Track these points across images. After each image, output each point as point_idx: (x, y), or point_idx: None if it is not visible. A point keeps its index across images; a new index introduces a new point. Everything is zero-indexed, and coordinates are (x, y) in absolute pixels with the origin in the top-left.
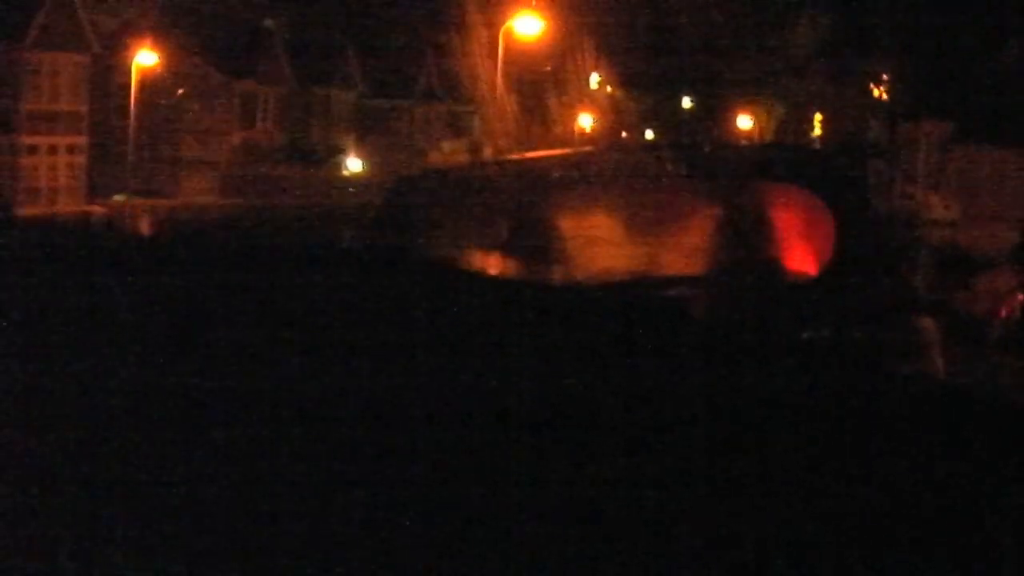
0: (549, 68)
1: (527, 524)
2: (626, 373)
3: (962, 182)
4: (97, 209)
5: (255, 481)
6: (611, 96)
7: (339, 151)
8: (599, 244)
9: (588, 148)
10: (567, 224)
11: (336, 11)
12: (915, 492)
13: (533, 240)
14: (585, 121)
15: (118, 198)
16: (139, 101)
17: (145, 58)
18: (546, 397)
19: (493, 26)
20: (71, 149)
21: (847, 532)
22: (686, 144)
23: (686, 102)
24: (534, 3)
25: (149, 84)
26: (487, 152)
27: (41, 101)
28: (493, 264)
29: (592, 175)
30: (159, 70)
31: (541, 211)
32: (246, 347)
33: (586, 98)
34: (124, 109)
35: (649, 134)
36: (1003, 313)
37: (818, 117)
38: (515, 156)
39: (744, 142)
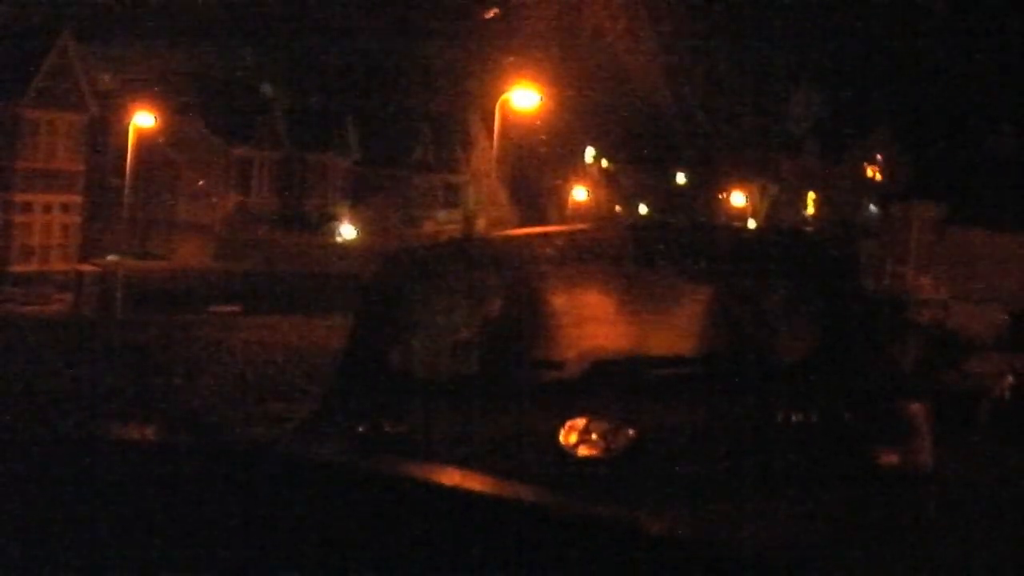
0: (545, 141)
1: None
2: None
3: (953, 263)
4: (89, 268)
5: None
6: (606, 170)
7: (333, 218)
8: (590, 323)
9: (581, 225)
10: (559, 302)
11: (334, 79)
12: None
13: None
14: (579, 194)
15: (111, 258)
16: (135, 162)
17: (142, 119)
18: None
19: (490, 98)
20: (65, 208)
21: None
22: (672, 225)
23: (680, 177)
24: (531, 76)
25: (146, 146)
26: (481, 224)
27: (37, 159)
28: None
29: (584, 253)
30: (156, 132)
31: (534, 290)
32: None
33: (581, 171)
34: (120, 170)
35: (643, 208)
36: (992, 396)
37: (811, 196)
38: (508, 232)
39: (736, 222)
